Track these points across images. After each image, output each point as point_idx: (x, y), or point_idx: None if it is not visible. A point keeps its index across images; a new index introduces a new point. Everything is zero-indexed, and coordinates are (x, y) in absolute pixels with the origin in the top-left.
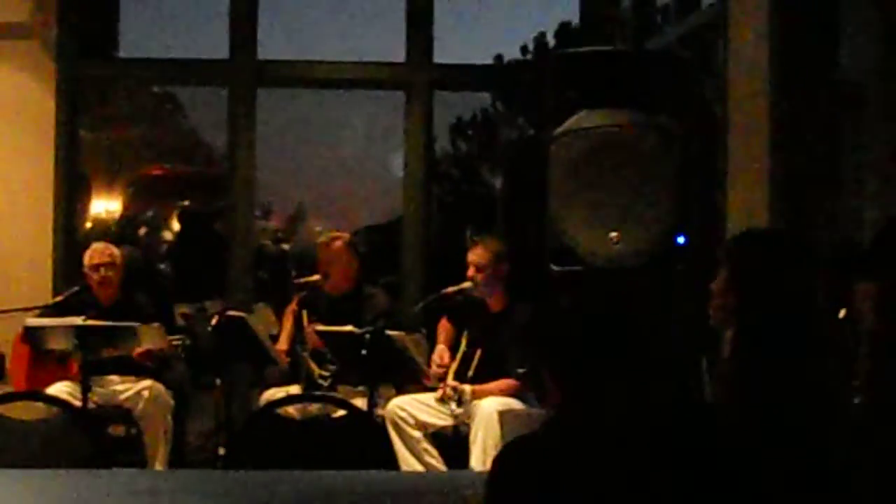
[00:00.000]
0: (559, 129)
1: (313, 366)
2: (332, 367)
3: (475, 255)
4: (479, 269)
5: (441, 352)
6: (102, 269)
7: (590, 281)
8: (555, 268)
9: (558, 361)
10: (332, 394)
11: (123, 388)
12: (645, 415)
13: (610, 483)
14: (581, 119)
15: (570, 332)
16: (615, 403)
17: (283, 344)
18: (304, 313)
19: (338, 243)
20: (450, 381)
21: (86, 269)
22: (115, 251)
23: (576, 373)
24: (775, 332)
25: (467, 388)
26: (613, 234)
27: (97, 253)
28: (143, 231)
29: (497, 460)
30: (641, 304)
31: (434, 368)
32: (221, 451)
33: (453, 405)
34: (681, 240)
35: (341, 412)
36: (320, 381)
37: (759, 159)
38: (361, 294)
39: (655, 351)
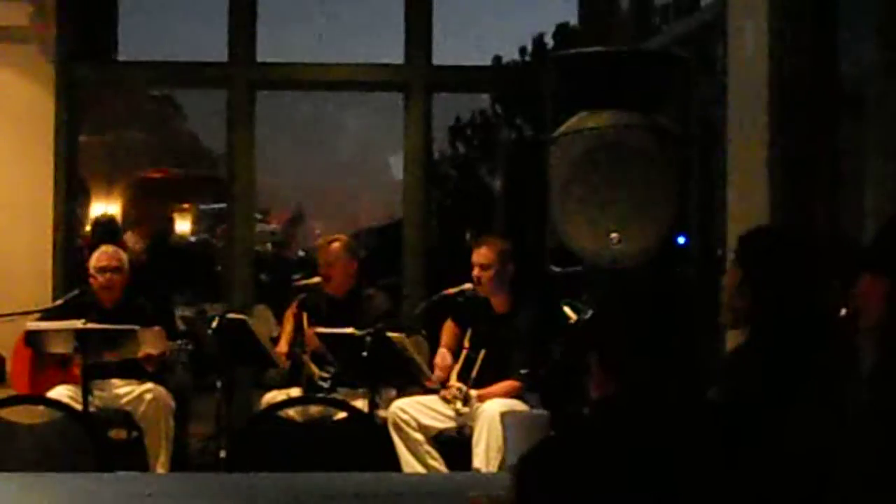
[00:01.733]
0: (558, 131)
1: (313, 368)
2: (331, 370)
3: (480, 255)
4: (484, 268)
5: (443, 355)
6: (109, 273)
7: (604, 280)
8: (555, 268)
9: (614, 348)
10: (333, 396)
11: (125, 391)
12: (692, 407)
13: (658, 475)
14: (580, 120)
15: (637, 320)
16: (668, 393)
17: (282, 346)
18: (305, 315)
19: (335, 245)
20: (454, 381)
21: (91, 271)
22: (123, 255)
23: (636, 361)
24: (791, 331)
25: (472, 392)
26: (614, 234)
27: (105, 256)
28: (142, 233)
29: (533, 453)
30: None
31: (437, 372)
32: (223, 454)
33: (459, 404)
34: (681, 240)
35: (342, 414)
36: (320, 384)
37: (759, 159)
38: (361, 295)
39: (699, 346)
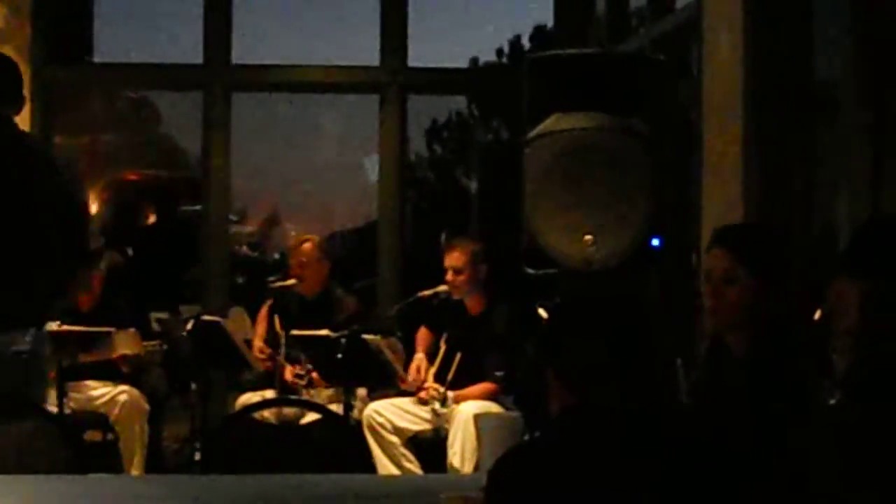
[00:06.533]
0: (533, 132)
1: (288, 367)
2: (308, 367)
3: (452, 259)
4: (457, 272)
5: (419, 361)
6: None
7: (579, 282)
8: (529, 270)
9: (570, 361)
10: (307, 398)
11: (99, 393)
12: (652, 416)
13: (619, 484)
14: (554, 122)
15: (586, 333)
16: (624, 404)
17: (262, 347)
18: (277, 318)
19: (307, 245)
20: (430, 382)
21: None
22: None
23: (588, 374)
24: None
25: (450, 393)
26: (588, 236)
27: None
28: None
29: (499, 465)
30: (643, 303)
31: (411, 379)
32: (197, 456)
33: (437, 405)
34: (655, 242)
35: (316, 416)
36: (296, 380)
37: (734, 161)
38: (331, 297)
39: (659, 352)
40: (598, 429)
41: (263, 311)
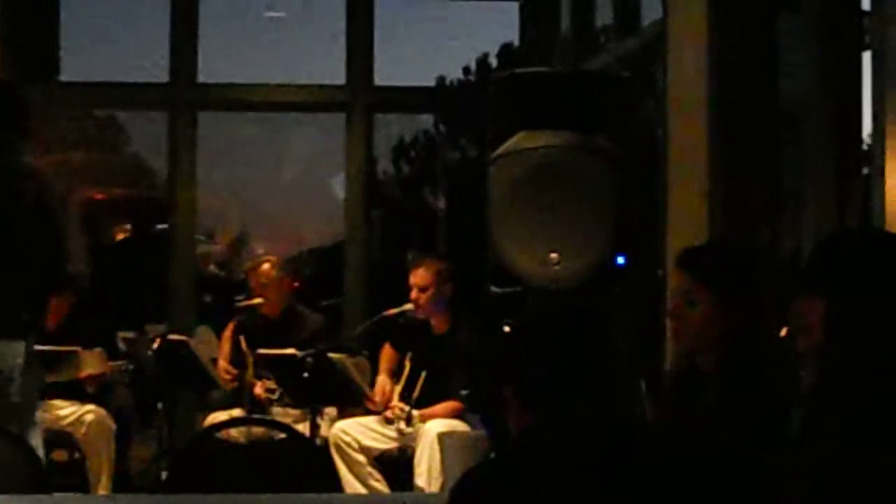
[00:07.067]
0: (498, 151)
1: (258, 382)
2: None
3: (417, 277)
4: (422, 289)
5: (383, 383)
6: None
7: (544, 300)
8: (494, 289)
9: (529, 381)
10: (275, 416)
11: (66, 412)
12: (613, 434)
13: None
14: (518, 141)
15: (543, 351)
16: (585, 423)
17: (228, 367)
18: (242, 338)
19: (265, 266)
20: (395, 401)
21: None
22: None
23: (548, 392)
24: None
25: (415, 412)
26: (553, 254)
27: None
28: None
29: (459, 485)
30: (601, 323)
31: (377, 399)
32: (164, 476)
33: (402, 424)
34: (620, 260)
35: (283, 435)
36: (268, 394)
37: (699, 179)
38: (294, 315)
39: (618, 371)
40: (557, 449)
41: (228, 331)
